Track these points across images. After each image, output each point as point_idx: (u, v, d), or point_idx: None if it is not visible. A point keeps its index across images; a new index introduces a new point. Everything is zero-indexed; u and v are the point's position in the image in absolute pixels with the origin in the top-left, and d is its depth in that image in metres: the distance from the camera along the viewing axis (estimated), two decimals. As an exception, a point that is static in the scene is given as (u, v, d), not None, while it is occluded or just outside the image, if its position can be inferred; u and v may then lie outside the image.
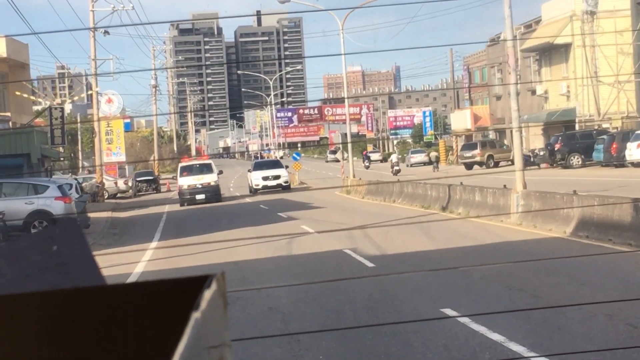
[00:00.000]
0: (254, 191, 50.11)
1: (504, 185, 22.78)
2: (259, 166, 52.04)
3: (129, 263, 20.09)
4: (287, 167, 53.82)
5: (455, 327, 9.67)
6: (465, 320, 10.00)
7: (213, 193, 44.37)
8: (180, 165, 47.79)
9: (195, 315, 1.14)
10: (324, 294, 12.61)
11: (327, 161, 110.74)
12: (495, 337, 8.87)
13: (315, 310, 11.54)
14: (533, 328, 9.01)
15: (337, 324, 10.60)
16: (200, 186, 44.05)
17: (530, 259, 14.95)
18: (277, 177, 49.80)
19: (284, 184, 49.90)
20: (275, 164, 52.59)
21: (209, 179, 44.56)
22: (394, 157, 66.78)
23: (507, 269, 13.47)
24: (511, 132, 71.24)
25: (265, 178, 49.80)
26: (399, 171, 60.96)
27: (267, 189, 49.31)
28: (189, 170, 45.48)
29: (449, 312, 10.54)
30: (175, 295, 1.22)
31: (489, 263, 13.86)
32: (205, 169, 45.57)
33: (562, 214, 18.14)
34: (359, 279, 14.33)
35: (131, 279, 17.13)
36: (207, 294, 1.20)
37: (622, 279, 12.13)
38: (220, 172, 48.92)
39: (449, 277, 13.35)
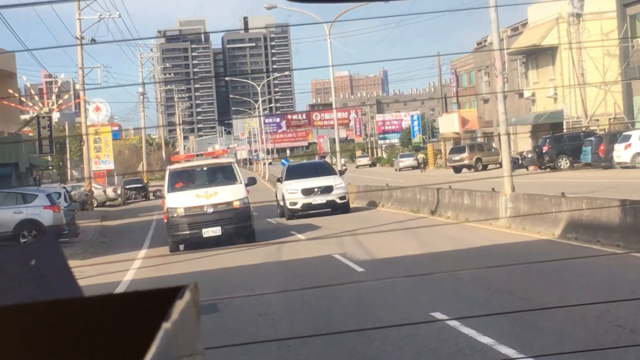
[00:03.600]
0: (289, 214, 31.51)
1: (492, 188, 22.85)
2: (295, 173, 33.39)
3: (118, 271, 20.03)
4: (342, 170, 36.76)
5: (445, 331, 9.68)
6: (454, 323, 10.01)
7: (237, 223, 23.39)
8: (169, 169, 25.28)
9: (165, 325, 1.14)
10: (314, 299, 12.61)
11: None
12: (485, 340, 8.89)
13: (305, 316, 11.54)
14: (522, 330, 9.03)
15: (327, 329, 10.59)
16: (210, 210, 23.28)
17: (519, 261, 14.99)
18: (327, 190, 31.54)
19: (340, 201, 31.60)
20: (322, 169, 34.01)
21: (229, 195, 23.63)
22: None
23: (496, 272, 13.49)
24: (499, 135, 71.27)
25: (307, 192, 31.53)
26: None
27: (311, 210, 31.55)
28: (186, 179, 24.84)
29: (438, 315, 10.55)
30: (151, 306, 1.22)
31: (477, 267, 13.88)
32: (221, 175, 24.88)
33: (551, 216, 18.19)
34: (348, 284, 14.34)
35: (120, 287, 17.11)
36: (179, 305, 1.20)
37: (611, 281, 12.16)
38: (252, 182, 25.89)
39: (438, 281, 13.36)
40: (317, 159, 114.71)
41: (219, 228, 23.00)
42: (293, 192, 31.68)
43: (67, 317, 1.28)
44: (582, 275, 12.72)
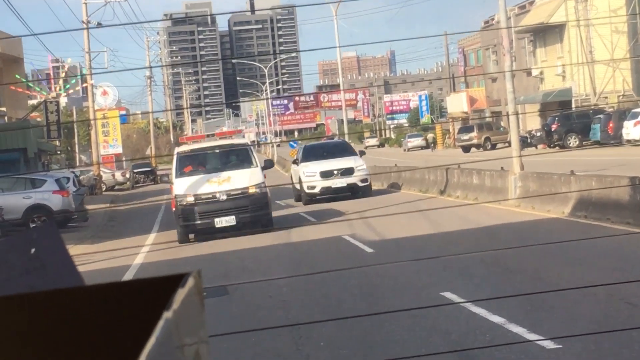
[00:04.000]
0: (307, 199, 29.64)
1: (502, 167, 22.78)
2: (312, 154, 31.22)
3: (128, 255, 20.05)
4: (362, 152, 33.61)
5: (455, 311, 9.66)
6: (465, 303, 9.99)
7: (253, 212, 21.36)
8: (177, 152, 22.92)
9: (166, 315, 1.13)
10: (324, 281, 12.60)
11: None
12: (495, 319, 8.87)
13: (315, 298, 11.53)
14: (533, 309, 9.01)
15: (337, 311, 10.59)
16: (223, 197, 21.25)
17: (529, 240, 14.96)
18: (348, 172, 29.21)
19: (362, 184, 29.34)
20: (341, 149, 31.67)
21: (244, 180, 21.58)
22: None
23: (506, 251, 13.45)
24: (507, 114, 71.00)
25: (326, 174, 29.37)
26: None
27: (330, 194, 29.48)
28: (196, 163, 22.71)
29: (449, 295, 10.53)
30: (154, 294, 1.21)
31: (487, 249, 13.84)
32: (235, 158, 22.79)
33: (560, 194, 18.12)
34: (359, 265, 14.32)
35: (131, 271, 17.15)
36: (181, 293, 1.19)
37: (622, 259, 12.10)
38: (269, 165, 24.75)
39: (448, 261, 13.33)
40: (325, 139, 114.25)
41: (234, 217, 20.94)
42: (311, 175, 29.48)
43: (69, 307, 1.27)
44: (593, 254, 12.66)
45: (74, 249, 23.66)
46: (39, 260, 1.41)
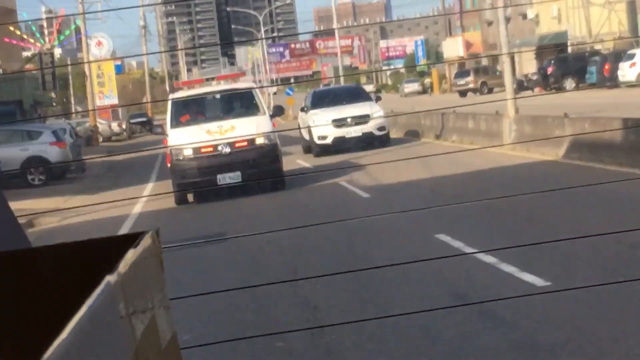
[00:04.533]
0: (317, 150, 26.83)
1: (496, 112, 22.87)
2: (322, 100, 28.52)
3: (126, 205, 20.19)
4: (378, 97, 30.70)
5: (448, 252, 9.84)
6: (459, 244, 10.18)
7: (262, 166, 18.66)
8: (171, 98, 20.80)
9: (109, 278, 1.04)
10: (320, 225, 12.76)
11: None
12: (488, 259, 9.05)
13: (311, 241, 11.71)
14: (524, 249, 9.17)
15: (334, 253, 10.79)
16: (226, 150, 18.64)
17: (523, 183, 15.13)
18: (363, 120, 26.51)
19: (379, 133, 26.64)
20: (355, 94, 28.81)
21: (250, 129, 18.57)
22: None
23: (501, 194, 13.61)
24: (498, 55, 70.70)
25: (339, 122, 26.45)
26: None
27: (343, 145, 26.42)
28: (194, 111, 19.99)
29: (443, 237, 10.71)
30: (107, 254, 1.11)
31: (486, 198, 14.01)
32: (238, 104, 20.36)
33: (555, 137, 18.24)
34: (355, 209, 14.50)
35: (130, 220, 17.31)
36: (132, 254, 1.10)
37: (615, 200, 12.24)
38: (279, 112, 22.07)
39: (441, 204, 13.49)
40: (321, 85, 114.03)
41: (239, 173, 18.23)
42: (321, 124, 26.22)
43: (13, 271, 1.18)
44: (585, 195, 12.82)
45: (72, 201, 23.85)
46: None
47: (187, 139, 18.40)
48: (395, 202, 14.79)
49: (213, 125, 18.90)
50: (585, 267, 8.43)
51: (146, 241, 1.14)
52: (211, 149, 18.47)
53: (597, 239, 8.98)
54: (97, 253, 1.16)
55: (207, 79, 22.57)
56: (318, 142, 26.75)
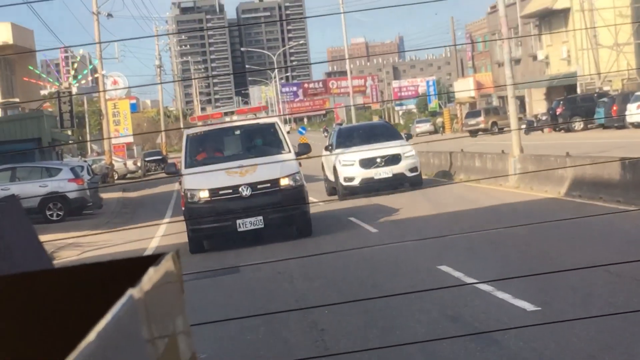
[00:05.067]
0: (343, 192, 24.57)
1: (502, 151, 23.57)
2: (349, 138, 26.40)
3: (143, 239, 20.84)
4: (408, 135, 28.62)
5: (449, 281, 10.49)
6: (459, 274, 10.83)
7: (286, 211, 16.81)
8: (186, 134, 18.33)
9: (132, 291, 1.05)
10: (330, 256, 13.42)
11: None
12: (485, 287, 9.70)
13: (321, 270, 12.36)
14: (519, 279, 9.80)
15: (342, 283, 11.44)
16: (247, 192, 16.67)
17: (525, 219, 15.76)
18: (393, 160, 24.52)
19: (411, 174, 24.61)
20: (384, 132, 26.80)
21: (274, 169, 17.02)
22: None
23: (504, 230, 14.28)
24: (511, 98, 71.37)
25: (367, 163, 24.48)
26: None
27: (373, 187, 24.49)
28: (212, 148, 18.46)
29: (444, 268, 11.36)
30: (127, 276, 1.12)
31: (481, 230, 14.64)
32: (261, 140, 18.57)
33: (557, 175, 18.93)
34: (364, 243, 15.15)
35: (148, 252, 17.95)
36: (153, 273, 1.10)
37: (608, 233, 12.87)
38: (305, 150, 18.39)
39: (445, 238, 14.15)
40: (334, 126, 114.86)
41: (261, 218, 16.33)
42: (348, 164, 24.48)
43: (37, 291, 1.20)
44: (586, 230, 13.46)
45: (90, 235, 24.55)
46: (3, 241, 1.34)
47: (203, 180, 16.59)
48: (402, 237, 15.46)
49: (233, 165, 16.81)
50: (573, 294, 9.06)
51: (167, 261, 1.14)
52: (230, 191, 16.54)
53: (588, 269, 9.64)
54: (119, 274, 1.16)
55: (226, 113, 20.05)
56: (344, 183, 24.56)
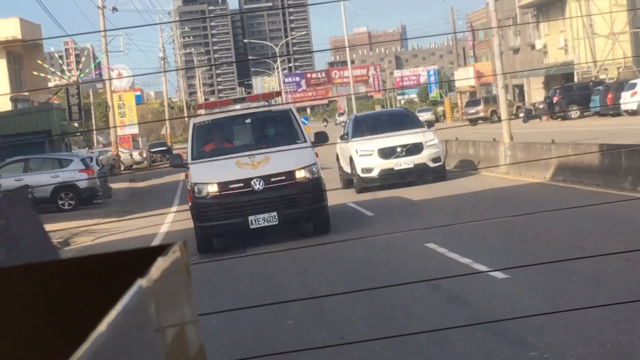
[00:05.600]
0: (360, 184, 23.12)
1: (494, 139, 24.76)
2: (366, 127, 24.72)
3: (154, 225, 21.94)
4: (429, 123, 27.09)
5: (435, 257, 11.69)
6: (443, 250, 12.02)
7: (303, 206, 15.54)
8: (193, 123, 16.98)
9: (141, 282, 1.06)
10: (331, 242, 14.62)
11: (336, 124, 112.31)
12: (465, 260, 10.91)
13: (323, 251, 13.57)
14: (493, 251, 10.97)
15: (340, 258, 12.64)
16: (260, 185, 15.30)
17: (511, 202, 16.96)
18: (415, 150, 22.99)
19: (434, 165, 23.06)
20: (403, 119, 25.06)
21: (288, 161, 15.58)
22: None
23: (486, 210, 15.47)
24: (512, 87, 72.38)
25: (387, 153, 23.00)
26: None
27: (392, 178, 22.95)
28: (220, 138, 17.08)
29: (431, 245, 12.56)
30: (135, 266, 1.13)
31: (482, 219, 15.80)
32: (273, 129, 17.20)
33: (543, 161, 20.12)
34: (360, 225, 16.33)
35: (157, 239, 19.06)
36: (161, 263, 1.12)
37: (573, 210, 14.05)
38: (322, 140, 16.35)
39: (434, 220, 15.34)
40: (337, 115, 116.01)
41: (275, 214, 15.12)
42: (366, 154, 22.94)
43: (46, 281, 1.21)
44: (555, 207, 14.64)
45: (102, 223, 25.72)
46: (10, 231, 1.35)
47: (212, 173, 15.49)
48: (395, 219, 16.67)
49: (244, 156, 15.66)
50: (540, 265, 10.25)
51: (174, 252, 1.16)
52: (242, 184, 15.24)
53: (552, 241, 10.83)
54: (127, 264, 1.17)
55: (236, 100, 18.42)
56: (362, 175, 22.94)
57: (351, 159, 23.34)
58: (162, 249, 1.15)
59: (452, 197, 19.08)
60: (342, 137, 24.99)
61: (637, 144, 17.39)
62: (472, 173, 22.34)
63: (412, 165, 22.71)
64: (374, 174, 22.85)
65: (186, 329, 1.16)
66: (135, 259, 1.16)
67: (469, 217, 15.18)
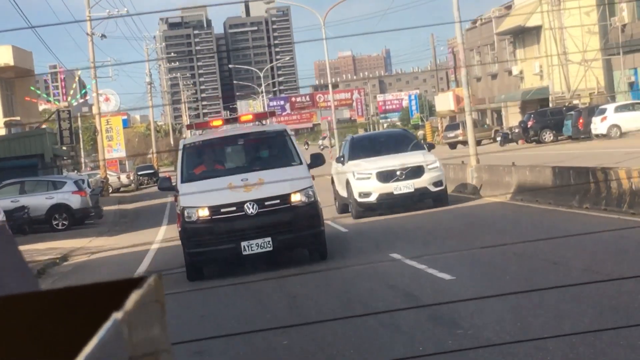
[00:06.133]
0: (358, 210, 22.25)
1: (462, 161, 26.58)
2: (364, 149, 23.64)
3: (145, 243, 23.41)
4: (430, 144, 25.15)
5: (399, 266, 13.41)
6: (408, 261, 13.69)
7: (298, 231, 14.80)
8: (184, 145, 16.24)
9: (116, 315, 1.09)
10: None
11: (320, 148, 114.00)
12: (421, 266, 12.65)
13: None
14: (458, 263, 12.61)
15: (319, 265, 14.31)
16: (253, 209, 14.70)
17: (469, 218, 18.72)
18: (416, 173, 21.94)
19: (435, 189, 21.98)
20: (402, 141, 23.94)
21: (283, 184, 14.92)
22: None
23: (448, 225, 17.23)
24: (490, 111, 74.40)
25: (386, 176, 21.96)
26: None
27: (391, 203, 22.10)
28: (211, 160, 16.38)
29: (395, 256, 14.25)
30: (111, 297, 1.16)
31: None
32: (267, 152, 16.60)
33: (505, 182, 21.94)
34: (336, 242, 18.01)
35: (149, 256, 20.50)
36: (136, 295, 1.15)
37: (517, 224, 15.82)
38: (318, 162, 15.81)
39: (401, 233, 17.09)
40: (320, 140, 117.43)
41: (269, 239, 14.51)
42: (364, 177, 21.95)
43: (24, 313, 1.23)
44: (510, 224, 16.42)
45: (97, 240, 27.27)
46: None
47: (202, 196, 14.72)
48: (369, 235, 18.40)
49: (236, 179, 15.06)
50: (485, 268, 11.99)
51: (150, 284, 1.19)
52: (234, 208, 14.62)
53: (500, 249, 12.59)
54: (104, 296, 1.20)
55: (228, 120, 18.31)
56: (359, 199, 21.93)
57: (348, 183, 22.33)
58: (137, 282, 1.18)
59: (423, 215, 20.83)
60: (338, 160, 24.20)
61: (584, 166, 19.16)
62: (471, 197, 23.66)
63: (412, 190, 21.71)
64: (372, 198, 21.89)
65: (160, 358, 1.21)
66: (113, 291, 1.19)
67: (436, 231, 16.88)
